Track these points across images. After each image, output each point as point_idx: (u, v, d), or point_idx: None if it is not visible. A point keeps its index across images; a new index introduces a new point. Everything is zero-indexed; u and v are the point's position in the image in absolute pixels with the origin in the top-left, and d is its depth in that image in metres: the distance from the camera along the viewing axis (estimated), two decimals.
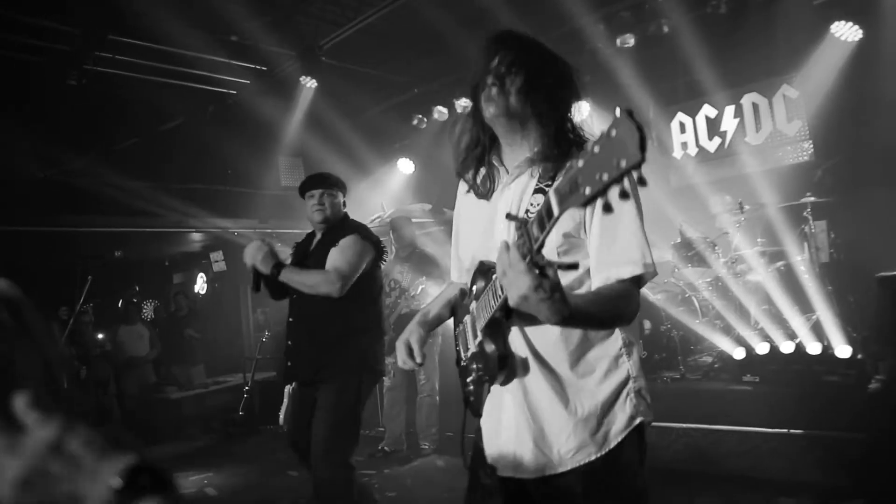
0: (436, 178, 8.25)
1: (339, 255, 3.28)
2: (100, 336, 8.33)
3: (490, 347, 1.61)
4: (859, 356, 4.30)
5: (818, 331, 4.65)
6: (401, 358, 1.82)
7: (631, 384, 1.66)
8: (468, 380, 1.78)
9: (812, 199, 5.16)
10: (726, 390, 4.64)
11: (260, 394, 7.58)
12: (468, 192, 1.85)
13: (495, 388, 1.69)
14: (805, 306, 4.87)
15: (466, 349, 1.77)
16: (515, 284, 1.26)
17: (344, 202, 3.55)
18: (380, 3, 5.89)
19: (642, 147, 0.95)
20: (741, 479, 4.13)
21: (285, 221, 9.11)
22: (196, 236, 11.26)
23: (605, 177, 1.01)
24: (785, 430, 4.11)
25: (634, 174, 0.98)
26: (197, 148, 7.46)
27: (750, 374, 4.65)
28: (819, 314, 4.73)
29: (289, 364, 3.39)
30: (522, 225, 1.26)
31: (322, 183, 3.46)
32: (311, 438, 3.19)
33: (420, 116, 7.97)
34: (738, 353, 4.76)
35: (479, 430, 1.81)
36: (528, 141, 1.68)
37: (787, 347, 4.56)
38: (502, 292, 1.40)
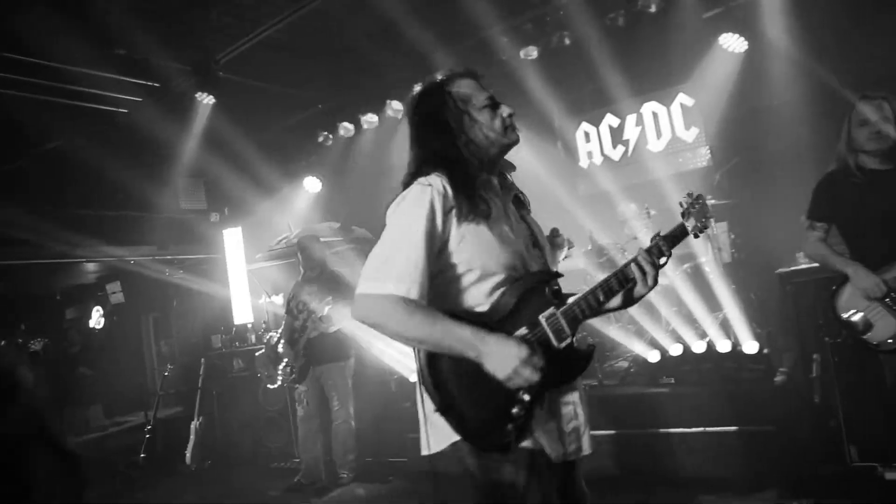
0: (343, 195, 8.04)
1: None
2: None
3: (581, 345, 1.86)
4: (765, 351, 4.45)
5: (727, 328, 4.79)
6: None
7: None
8: (523, 394, 1.73)
9: (712, 201, 5.34)
10: (644, 394, 4.67)
11: (163, 432, 7.06)
12: (451, 207, 1.81)
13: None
14: (713, 305, 5.00)
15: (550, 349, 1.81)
16: (653, 276, 1.93)
17: None
18: (280, 14, 5.67)
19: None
20: (663, 479, 4.16)
21: (185, 247, 8.62)
22: (90, 267, 10.52)
23: (698, 225, 2.09)
24: (702, 429, 4.17)
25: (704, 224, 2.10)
26: (86, 171, 6.91)
27: (665, 375, 4.71)
28: (726, 312, 4.87)
29: None
30: (663, 239, 2.02)
31: None
32: None
33: (325, 133, 7.78)
34: (653, 357, 4.82)
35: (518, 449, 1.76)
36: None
37: (698, 347, 4.66)
38: (638, 282, 1.92)
